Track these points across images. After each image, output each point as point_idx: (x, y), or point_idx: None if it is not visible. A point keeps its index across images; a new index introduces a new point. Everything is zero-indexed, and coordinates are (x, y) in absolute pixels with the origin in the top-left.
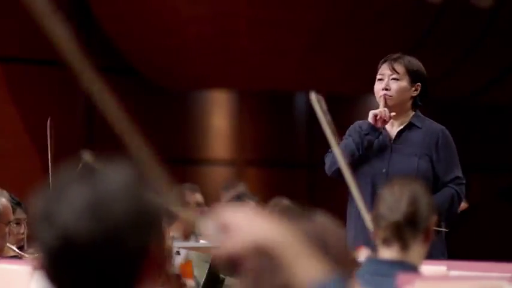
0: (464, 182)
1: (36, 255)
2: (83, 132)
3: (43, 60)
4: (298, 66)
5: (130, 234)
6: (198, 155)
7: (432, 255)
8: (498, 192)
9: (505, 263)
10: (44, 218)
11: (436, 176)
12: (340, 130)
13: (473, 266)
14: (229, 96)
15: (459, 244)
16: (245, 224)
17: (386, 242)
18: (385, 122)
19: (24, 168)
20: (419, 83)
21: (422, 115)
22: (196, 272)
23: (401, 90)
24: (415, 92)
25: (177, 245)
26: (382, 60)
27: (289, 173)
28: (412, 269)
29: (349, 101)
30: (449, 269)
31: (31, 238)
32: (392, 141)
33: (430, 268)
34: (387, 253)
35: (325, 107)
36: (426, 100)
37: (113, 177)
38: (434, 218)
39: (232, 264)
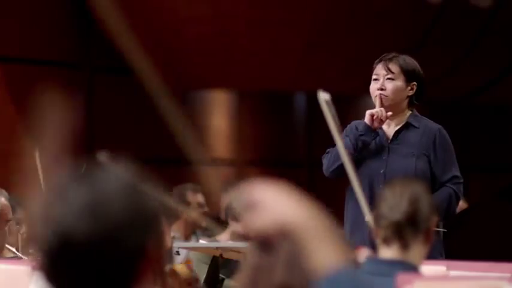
0: (462, 181)
1: (35, 255)
2: (83, 132)
3: (43, 60)
4: (298, 66)
5: (128, 235)
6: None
7: (430, 255)
8: (498, 192)
9: (505, 263)
10: (44, 219)
11: (434, 175)
12: (341, 130)
13: (473, 266)
14: (229, 96)
15: (459, 244)
16: (272, 203)
17: (386, 241)
18: (381, 122)
19: (24, 168)
20: (414, 82)
21: (419, 114)
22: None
23: (396, 90)
24: (411, 91)
25: (177, 245)
26: (377, 60)
27: (289, 173)
28: (412, 268)
29: (349, 101)
30: (449, 269)
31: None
32: (389, 142)
33: (430, 268)
34: (387, 253)
35: (332, 105)
36: (422, 99)
37: (112, 178)
38: (435, 219)
39: (262, 241)
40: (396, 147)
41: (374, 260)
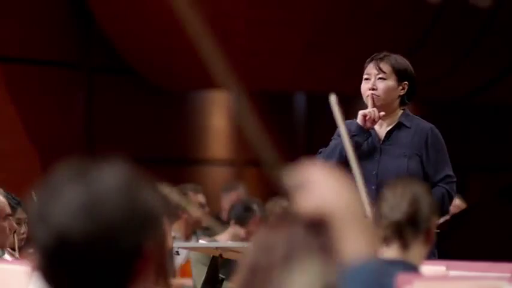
0: (455, 180)
1: (33, 255)
2: (83, 132)
3: (43, 60)
4: (298, 66)
5: (124, 234)
6: (197, 155)
7: None
8: (498, 192)
9: (505, 263)
10: (39, 218)
11: (427, 175)
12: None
13: (472, 266)
14: (229, 96)
15: (459, 244)
16: (318, 185)
17: (386, 241)
18: (374, 122)
19: (24, 168)
20: (406, 82)
21: (411, 114)
22: (194, 272)
23: (388, 90)
24: (403, 90)
25: (177, 245)
26: (368, 59)
27: None
28: (412, 268)
29: (349, 101)
30: (448, 269)
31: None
32: (381, 143)
33: (430, 268)
34: (387, 252)
35: (339, 108)
36: (414, 99)
37: (108, 177)
38: (435, 219)
39: (311, 222)
40: (388, 148)
41: (374, 259)
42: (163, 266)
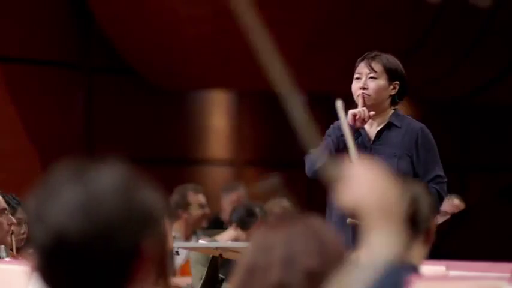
0: (445, 180)
1: (32, 255)
2: (83, 132)
3: (43, 60)
4: (298, 66)
5: (121, 234)
6: (197, 155)
7: None
8: (498, 192)
9: (505, 263)
10: (37, 218)
11: (417, 175)
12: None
13: (472, 266)
14: (229, 96)
15: (459, 244)
16: (357, 180)
17: None
18: (364, 122)
19: (24, 168)
20: (397, 82)
21: (401, 113)
22: (193, 273)
23: (379, 89)
24: (394, 90)
25: (177, 245)
26: (360, 58)
27: (289, 173)
28: (412, 269)
29: (349, 101)
30: (448, 269)
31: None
32: (371, 143)
33: (430, 268)
34: None
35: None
36: (404, 98)
37: (105, 177)
38: (435, 219)
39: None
40: (378, 148)
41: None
42: (163, 265)
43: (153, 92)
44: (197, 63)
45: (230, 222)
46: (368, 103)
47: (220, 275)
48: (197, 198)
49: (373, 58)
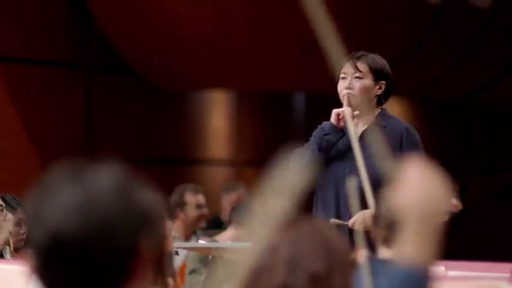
0: None
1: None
2: (83, 132)
3: (43, 60)
4: (297, 66)
5: (119, 234)
6: (196, 155)
7: None
8: (498, 192)
9: (504, 263)
10: (34, 218)
11: None
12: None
13: (471, 266)
14: (228, 96)
15: (459, 244)
16: (409, 184)
17: (386, 242)
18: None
19: (24, 168)
20: (383, 82)
21: (388, 113)
22: (192, 272)
23: (364, 89)
24: (379, 90)
25: (177, 245)
26: (345, 58)
27: None
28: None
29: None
30: (448, 269)
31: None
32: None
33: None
34: (387, 253)
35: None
36: (389, 98)
37: (103, 178)
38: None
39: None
40: (363, 148)
41: (374, 260)
42: (161, 266)
43: (153, 92)
44: (197, 63)
45: (230, 222)
46: (353, 103)
47: (220, 275)
48: (195, 199)
49: (358, 58)
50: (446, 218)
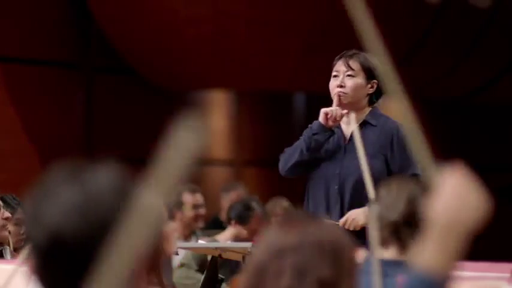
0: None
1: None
2: (83, 132)
3: (43, 60)
4: (297, 66)
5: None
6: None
7: None
8: (498, 192)
9: (505, 263)
10: (33, 218)
11: (392, 174)
12: None
13: (472, 266)
14: (228, 96)
15: None
16: (442, 195)
17: (385, 242)
18: (336, 120)
19: (24, 168)
20: (375, 80)
21: (379, 112)
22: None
23: (356, 87)
24: (371, 89)
25: (177, 245)
26: (338, 56)
27: None
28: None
29: None
30: None
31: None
32: (347, 141)
33: None
34: (386, 253)
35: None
36: (381, 97)
37: (102, 178)
38: None
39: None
40: (353, 147)
41: (381, 261)
42: (158, 266)
43: (153, 92)
44: (197, 63)
45: (228, 220)
46: (345, 101)
47: (220, 275)
48: (192, 198)
49: (351, 56)
50: (478, 228)
